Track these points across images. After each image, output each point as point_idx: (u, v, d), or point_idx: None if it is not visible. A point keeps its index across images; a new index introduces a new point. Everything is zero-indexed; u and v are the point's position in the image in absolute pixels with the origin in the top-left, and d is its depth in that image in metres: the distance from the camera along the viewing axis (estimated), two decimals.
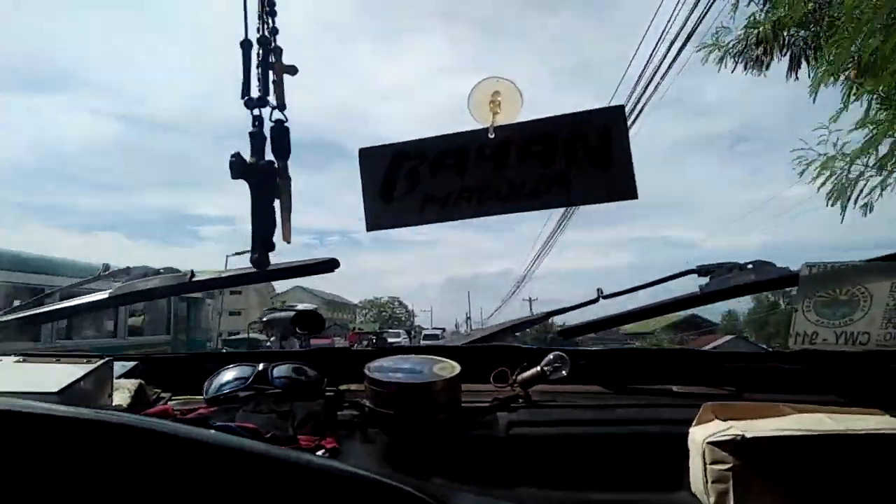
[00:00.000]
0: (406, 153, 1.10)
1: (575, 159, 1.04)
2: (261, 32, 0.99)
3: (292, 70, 1.02)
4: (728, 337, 27.34)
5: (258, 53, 0.99)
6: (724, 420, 0.72)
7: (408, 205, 1.09)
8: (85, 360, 0.89)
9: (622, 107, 1.07)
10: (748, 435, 0.67)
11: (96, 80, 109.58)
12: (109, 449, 0.49)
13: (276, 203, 1.03)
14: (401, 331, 38.58)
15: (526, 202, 1.06)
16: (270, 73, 1.01)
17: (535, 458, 0.83)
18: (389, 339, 25.74)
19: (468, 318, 78.52)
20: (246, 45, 0.97)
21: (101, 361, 0.89)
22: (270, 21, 1.00)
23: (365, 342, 16.34)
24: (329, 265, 1.32)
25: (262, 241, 1.02)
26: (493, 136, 1.06)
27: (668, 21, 8.51)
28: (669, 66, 8.85)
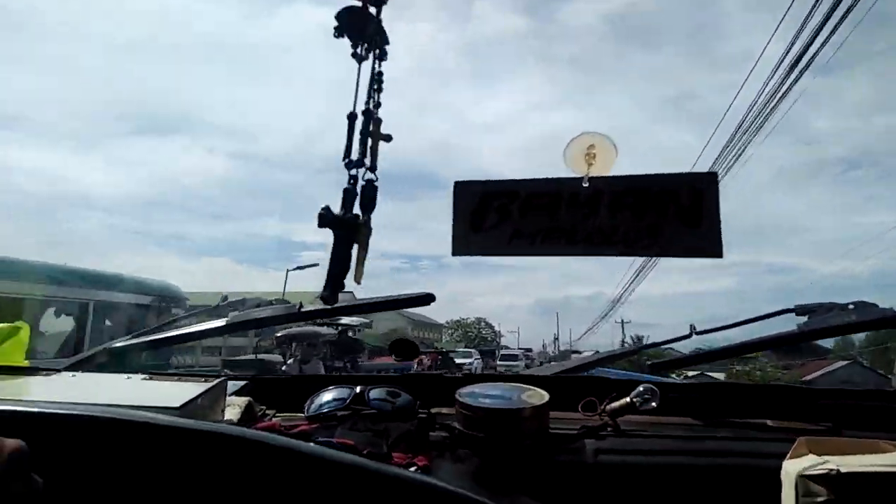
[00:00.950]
0: (498, 192, 1.15)
1: (666, 215, 1.07)
2: (367, 105, 1.09)
3: (388, 138, 1.12)
4: (842, 363, 25.19)
5: (361, 123, 1.10)
6: (820, 455, 0.71)
7: (496, 235, 1.14)
8: (203, 379, 0.98)
9: (715, 173, 1.09)
10: (843, 470, 0.65)
11: (213, 121, 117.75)
12: (225, 457, 0.55)
13: (354, 249, 1.11)
14: (472, 350, 33.98)
15: (614, 248, 1.09)
16: (369, 140, 1.11)
17: (622, 486, 0.83)
18: (458, 360, 22.47)
19: (556, 339, 76.78)
20: (352, 116, 1.07)
21: (218, 381, 0.97)
22: (377, 96, 1.10)
23: (428, 362, 15.40)
24: (426, 299, 1.38)
25: (334, 281, 1.10)
26: (587, 186, 1.09)
27: (787, 50, 8.32)
28: (778, 92, 8.66)
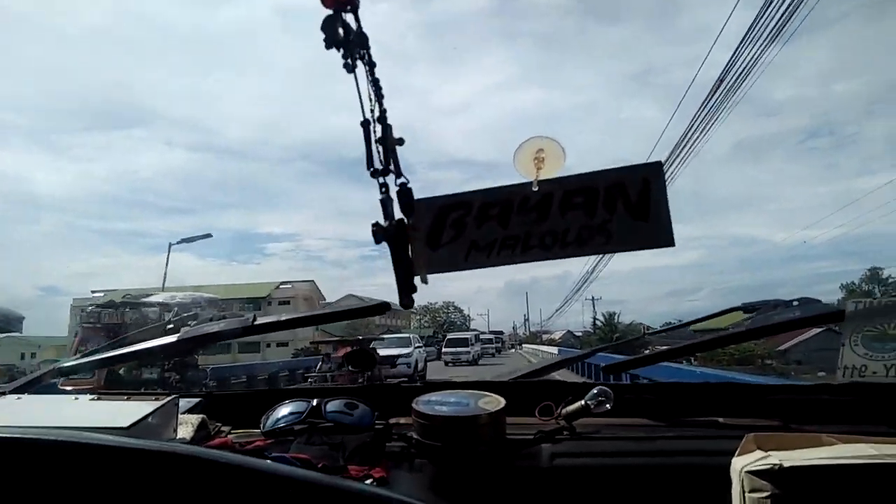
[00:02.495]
0: (451, 205, 1.16)
1: (615, 211, 1.08)
2: (377, 113, 1.10)
3: (401, 141, 1.13)
4: (816, 330, 25.77)
5: (374, 130, 1.10)
6: (766, 450, 0.73)
7: (453, 251, 1.14)
8: (154, 398, 0.96)
9: (660, 162, 1.11)
10: (786, 464, 0.67)
11: (169, 114, 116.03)
12: (176, 478, 0.54)
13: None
14: (411, 335, 24.14)
15: (568, 249, 1.10)
16: (387, 145, 1.12)
17: (579, 488, 0.84)
18: (386, 352, 16.96)
19: (526, 321, 78.03)
20: (365, 124, 1.08)
21: (168, 399, 0.95)
22: (380, 103, 1.11)
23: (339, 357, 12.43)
24: (381, 308, 1.37)
25: (404, 286, 1.11)
26: (536, 189, 1.11)
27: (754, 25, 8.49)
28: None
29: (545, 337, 71.15)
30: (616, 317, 51.21)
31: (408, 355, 20.04)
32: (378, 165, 1.08)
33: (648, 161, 1.11)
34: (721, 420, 1.03)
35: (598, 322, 52.43)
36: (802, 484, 0.66)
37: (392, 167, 1.10)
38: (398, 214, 1.10)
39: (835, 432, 0.78)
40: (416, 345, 22.46)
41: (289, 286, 57.55)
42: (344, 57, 1.08)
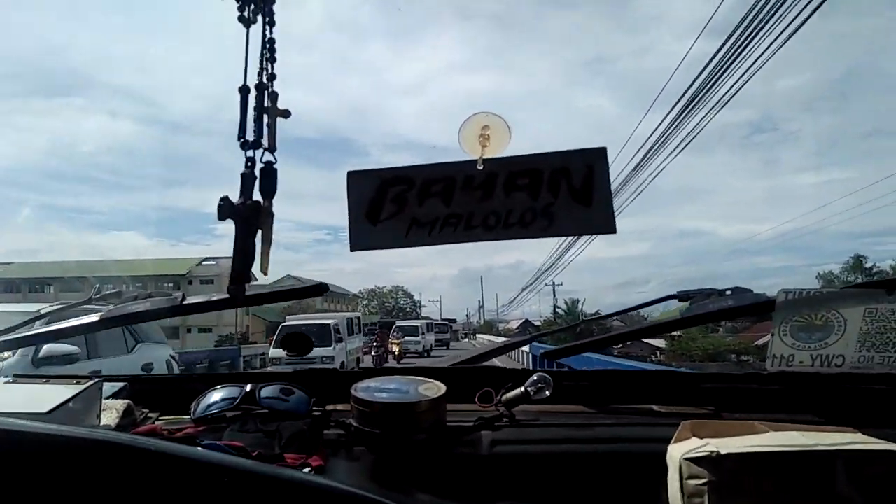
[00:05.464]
0: (394, 179, 1.13)
1: (559, 194, 1.08)
2: (260, 77, 1.02)
3: (286, 114, 1.05)
4: None
5: (255, 97, 1.02)
6: (702, 438, 0.74)
7: (393, 227, 1.12)
8: (75, 382, 0.91)
9: (604, 148, 1.11)
10: (723, 451, 0.68)
11: (113, 82, 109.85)
12: (97, 466, 0.50)
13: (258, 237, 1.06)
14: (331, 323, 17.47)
15: (511, 231, 1.10)
16: (265, 117, 1.04)
17: (518, 475, 0.84)
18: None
19: (481, 307, 75.97)
20: (244, 90, 1.00)
21: (90, 382, 0.90)
22: (270, 67, 1.03)
23: None
24: (318, 290, 1.34)
25: (239, 275, 1.05)
26: (481, 168, 1.09)
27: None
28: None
29: (501, 326, 69.05)
30: (580, 305, 47.58)
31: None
32: (250, 136, 1.02)
33: (594, 146, 1.11)
34: (656, 408, 1.05)
35: (558, 310, 49.18)
36: (739, 470, 0.68)
37: (266, 141, 1.03)
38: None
39: (765, 420, 0.80)
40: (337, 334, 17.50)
41: (213, 263, 52.02)
42: (240, 9, 1.00)
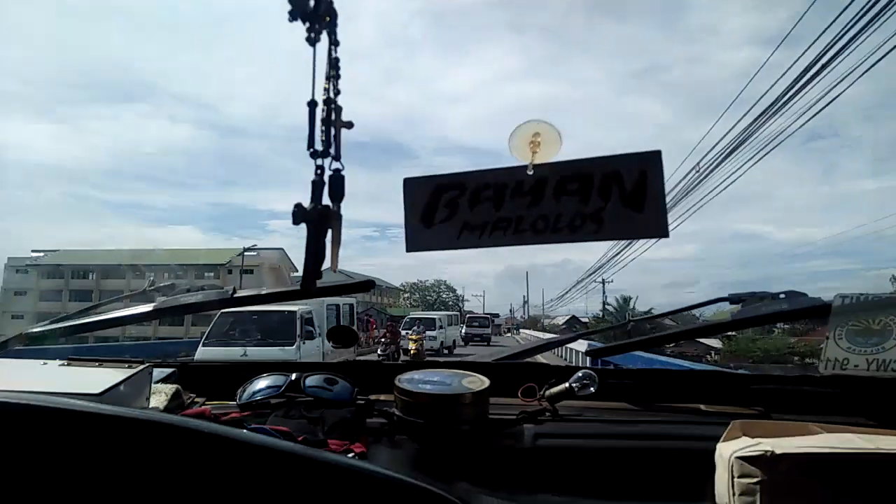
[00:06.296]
0: (447, 185, 1.15)
1: (609, 199, 1.07)
2: (327, 94, 1.06)
3: (349, 125, 1.10)
4: None
5: (322, 111, 1.07)
6: (753, 437, 0.72)
7: (447, 230, 1.14)
8: (126, 366, 0.93)
9: (658, 152, 1.09)
10: (777, 451, 0.67)
11: (174, 90, 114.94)
12: (150, 445, 0.51)
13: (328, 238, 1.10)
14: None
15: (559, 235, 1.09)
16: (332, 129, 1.08)
17: (560, 469, 0.84)
18: None
19: (525, 303, 73.52)
20: (312, 104, 1.04)
21: (141, 367, 0.92)
22: (335, 83, 1.07)
23: None
24: (366, 286, 1.36)
25: (311, 272, 1.08)
26: (531, 173, 1.09)
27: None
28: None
29: (546, 322, 65.82)
30: (632, 303, 44.03)
31: None
32: (319, 147, 1.06)
33: (647, 150, 1.09)
34: (703, 407, 1.03)
35: (608, 307, 45.92)
36: (793, 471, 0.66)
37: (333, 150, 1.07)
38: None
39: (816, 422, 0.78)
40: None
41: (254, 253, 50.00)
42: (308, 31, 1.05)
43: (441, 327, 25.17)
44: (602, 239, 1.10)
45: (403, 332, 19.72)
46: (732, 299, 1.27)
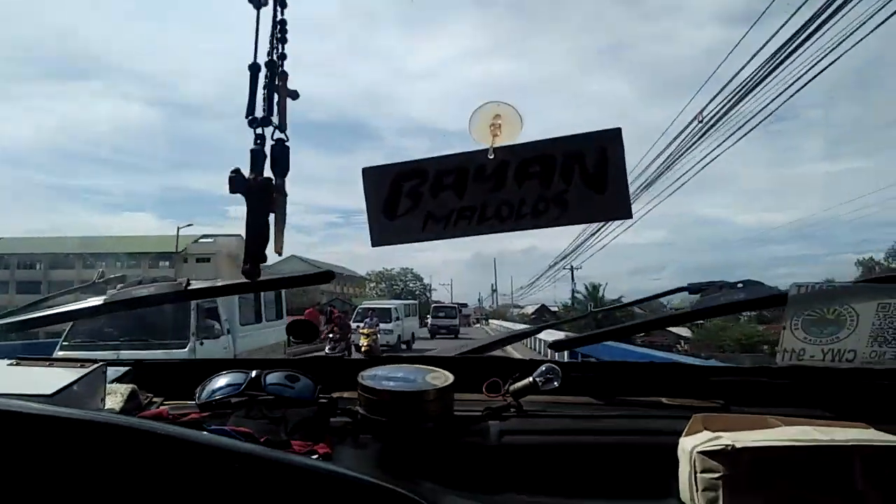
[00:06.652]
0: (408, 173, 1.13)
1: (571, 181, 1.07)
2: (270, 56, 1.01)
3: (294, 94, 1.06)
4: None
5: (265, 76, 1.01)
6: (714, 431, 0.73)
7: (410, 222, 1.13)
8: (78, 365, 0.90)
9: (618, 129, 1.09)
10: (738, 445, 0.68)
11: (126, 66, 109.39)
12: (105, 449, 0.49)
13: (271, 217, 1.05)
14: None
15: (524, 221, 1.09)
16: (275, 95, 1.03)
17: (525, 466, 0.84)
18: None
19: (494, 291, 72.83)
20: (254, 67, 1.00)
21: (95, 366, 0.89)
22: (281, 47, 1.03)
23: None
24: (325, 277, 1.33)
25: (254, 253, 1.03)
26: (492, 157, 1.08)
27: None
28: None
29: (516, 312, 65.82)
30: (601, 290, 43.84)
31: None
32: (259, 114, 1.01)
33: (608, 128, 1.09)
34: (664, 400, 1.04)
35: (577, 295, 45.43)
36: (754, 464, 0.67)
37: (276, 119, 1.02)
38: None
39: (775, 414, 0.79)
40: None
41: (210, 240, 48.48)
42: None
43: (398, 318, 22.43)
44: (566, 223, 1.09)
45: (354, 326, 16.58)
46: (692, 289, 1.28)
